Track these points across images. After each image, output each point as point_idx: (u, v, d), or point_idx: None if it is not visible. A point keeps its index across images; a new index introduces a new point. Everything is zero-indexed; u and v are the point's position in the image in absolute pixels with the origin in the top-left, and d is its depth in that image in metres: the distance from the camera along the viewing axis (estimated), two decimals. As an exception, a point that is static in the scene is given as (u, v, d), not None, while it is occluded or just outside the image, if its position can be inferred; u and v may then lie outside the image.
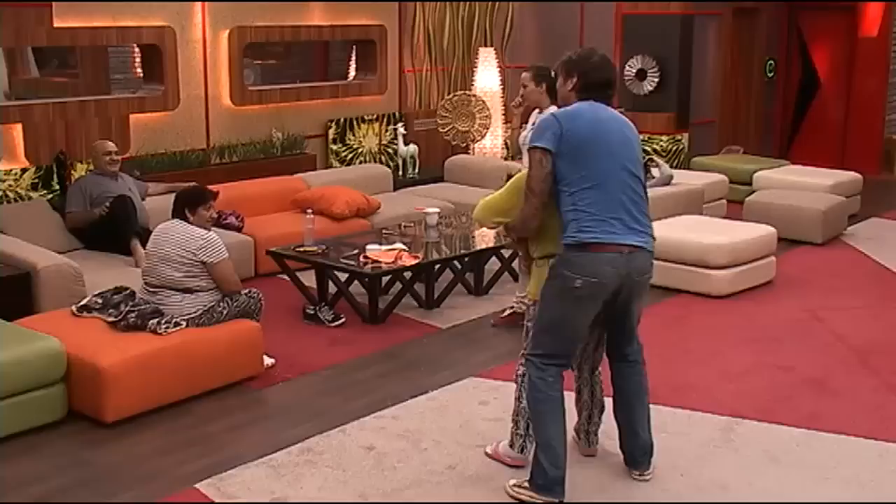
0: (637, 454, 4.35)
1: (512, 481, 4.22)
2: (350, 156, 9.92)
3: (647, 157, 9.05)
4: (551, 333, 4.06)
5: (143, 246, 5.96)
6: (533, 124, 6.12)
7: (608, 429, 4.50)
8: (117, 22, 7.96)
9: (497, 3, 11.33)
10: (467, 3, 11.00)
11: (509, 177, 6.34)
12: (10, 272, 5.83)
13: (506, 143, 10.79)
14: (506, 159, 10.34)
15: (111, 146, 7.06)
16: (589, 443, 4.55)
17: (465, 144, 10.55)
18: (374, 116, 10.13)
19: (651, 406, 4.88)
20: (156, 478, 4.34)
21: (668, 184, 8.23)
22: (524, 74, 6.14)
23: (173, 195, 5.54)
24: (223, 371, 5.25)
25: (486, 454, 4.52)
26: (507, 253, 7.13)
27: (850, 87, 12.87)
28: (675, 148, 10.87)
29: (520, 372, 4.32)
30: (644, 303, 4.24)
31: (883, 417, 5.05)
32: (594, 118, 4.04)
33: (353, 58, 10.69)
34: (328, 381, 5.48)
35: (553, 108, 6.11)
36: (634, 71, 10.94)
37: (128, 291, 5.39)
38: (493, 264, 7.19)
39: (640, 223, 4.00)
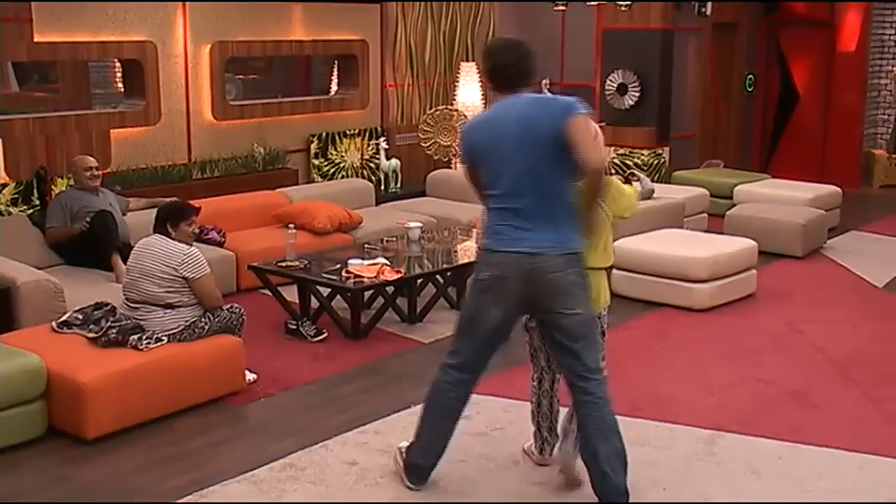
0: (612, 496, 4.02)
1: (403, 443, 4.40)
2: (332, 170, 9.92)
3: (629, 172, 9.08)
4: (461, 329, 4.17)
5: (124, 261, 5.95)
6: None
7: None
8: (98, 37, 7.95)
9: (479, 17, 11.39)
10: (449, 18, 11.04)
11: None
12: (-11, 288, 5.80)
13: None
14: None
15: (92, 161, 7.03)
16: (542, 452, 4.54)
17: (447, 159, 10.57)
18: (356, 131, 10.14)
19: (633, 419, 4.91)
20: (137, 495, 4.31)
21: (649, 198, 8.27)
22: None
23: (154, 210, 5.53)
24: (205, 387, 5.23)
25: (523, 450, 4.65)
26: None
27: (828, 101, 12.97)
28: (655, 162, 10.92)
29: (532, 377, 4.51)
30: (582, 309, 3.98)
31: (863, 429, 5.07)
32: (497, 120, 4.02)
33: (335, 72, 10.72)
34: (310, 396, 5.46)
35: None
36: (615, 86, 11.00)
37: (108, 307, 5.36)
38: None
39: (542, 226, 3.92)
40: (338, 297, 6.61)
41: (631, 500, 4.23)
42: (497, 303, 4.00)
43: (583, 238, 4.03)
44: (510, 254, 3.94)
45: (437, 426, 4.25)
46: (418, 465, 4.29)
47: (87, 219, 6.74)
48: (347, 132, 10.04)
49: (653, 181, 9.50)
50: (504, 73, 4.05)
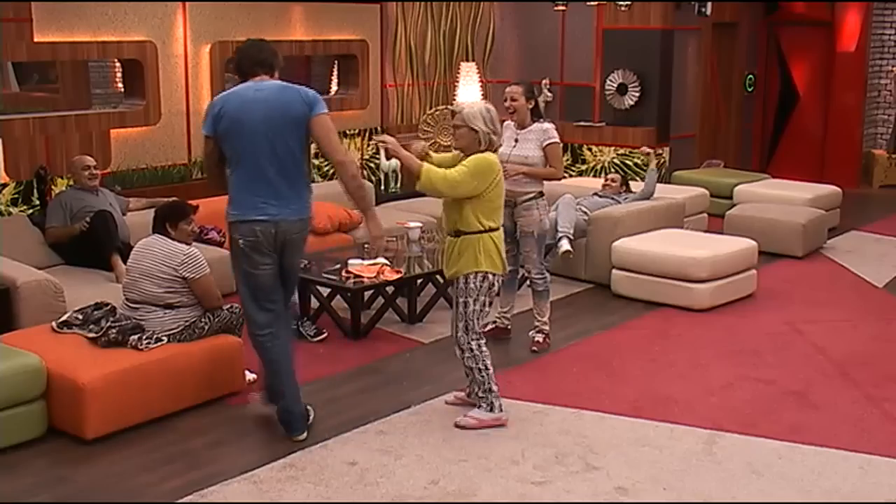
0: (283, 417, 4.81)
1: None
2: (332, 170, 9.90)
3: (646, 151, 8.88)
4: (244, 295, 4.78)
5: (124, 261, 5.95)
6: (516, 140, 6.15)
7: (595, 441, 4.48)
8: (98, 37, 7.94)
9: (478, 17, 11.40)
10: (449, 18, 11.05)
11: None
12: (-11, 288, 5.79)
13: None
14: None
15: (90, 161, 7.03)
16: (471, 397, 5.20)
17: (447, 159, 10.57)
18: (356, 131, 10.14)
19: (634, 419, 4.91)
20: (137, 495, 4.31)
21: (647, 198, 8.25)
22: (515, 88, 6.14)
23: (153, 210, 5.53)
24: (205, 387, 5.23)
25: (458, 426, 4.97)
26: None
27: (828, 102, 12.98)
28: (655, 162, 10.91)
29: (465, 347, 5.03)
30: (298, 262, 4.88)
31: (863, 429, 5.07)
32: (244, 99, 4.61)
33: (335, 72, 10.71)
34: (310, 396, 5.43)
35: (536, 125, 6.17)
36: (615, 86, 10.99)
37: (108, 307, 5.36)
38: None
39: (283, 196, 4.60)
40: (338, 297, 6.61)
41: (631, 500, 4.25)
42: (263, 261, 4.67)
43: (366, 214, 4.90)
44: (267, 222, 4.59)
45: (287, 379, 4.86)
46: (303, 411, 4.87)
47: (88, 218, 6.74)
48: (347, 132, 10.03)
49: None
50: (248, 62, 4.72)
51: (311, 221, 4.86)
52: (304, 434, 4.82)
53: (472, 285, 4.94)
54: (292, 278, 4.96)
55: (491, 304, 5.09)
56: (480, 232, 4.91)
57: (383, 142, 5.00)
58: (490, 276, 4.95)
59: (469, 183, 4.84)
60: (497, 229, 4.97)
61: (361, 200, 4.81)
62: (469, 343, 5.00)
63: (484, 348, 5.02)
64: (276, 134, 4.59)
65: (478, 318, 4.99)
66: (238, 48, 4.84)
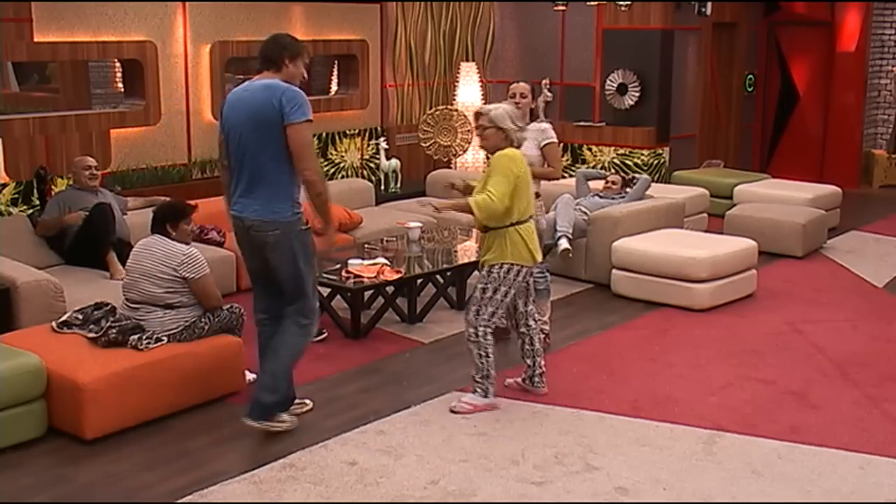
0: (254, 404, 4.80)
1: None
2: (332, 170, 9.92)
3: (624, 174, 8.99)
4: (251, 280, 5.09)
5: (121, 259, 5.95)
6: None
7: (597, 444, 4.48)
8: (98, 37, 7.95)
9: (478, 17, 11.41)
10: (449, 18, 11.06)
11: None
12: (-11, 288, 5.79)
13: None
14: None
15: (91, 161, 7.03)
16: (534, 384, 5.43)
17: (446, 159, 10.58)
18: (356, 131, 10.14)
19: (633, 419, 4.91)
20: (137, 495, 4.31)
21: (642, 196, 8.20)
22: (524, 85, 6.14)
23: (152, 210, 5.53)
24: (205, 387, 5.23)
25: (453, 411, 5.15)
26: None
27: (828, 102, 12.98)
28: (655, 162, 10.93)
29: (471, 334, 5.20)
30: (285, 265, 4.78)
31: (863, 429, 5.07)
32: (236, 97, 4.76)
33: (335, 73, 10.72)
34: (310, 396, 5.44)
35: (534, 125, 6.18)
36: (615, 86, 10.99)
37: (108, 307, 5.36)
38: (476, 279, 7.18)
39: (252, 195, 4.72)
40: (338, 297, 6.61)
41: (631, 500, 4.25)
42: (247, 254, 4.93)
43: (325, 227, 4.96)
44: (235, 217, 4.83)
45: (264, 365, 4.92)
46: (266, 403, 4.80)
47: (87, 208, 6.70)
48: (347, 132, 10.03)
49: (653, 181, 9.46)
50: (264, 63, 4.79)
51: (291, 225, 4.77)
52: (254, 423, 4.78)
53: (494, 274, 5.17)
54: (283, 284, 4.87)
55: (530, 295, 5.40)
56: (506, 227, 5.12)
57: (436, 209, 5.36)
58: (516, 268, 5.15)
59: (507, 183, 5.06)
60: (525, 221, 5.16)
61: (325, 215, 4.91)
62: (477, 327, 5.18)
63: (490, 337, 5.19)
64: (249, 134, 4.67)
65: (495, 308, 5.17)
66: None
